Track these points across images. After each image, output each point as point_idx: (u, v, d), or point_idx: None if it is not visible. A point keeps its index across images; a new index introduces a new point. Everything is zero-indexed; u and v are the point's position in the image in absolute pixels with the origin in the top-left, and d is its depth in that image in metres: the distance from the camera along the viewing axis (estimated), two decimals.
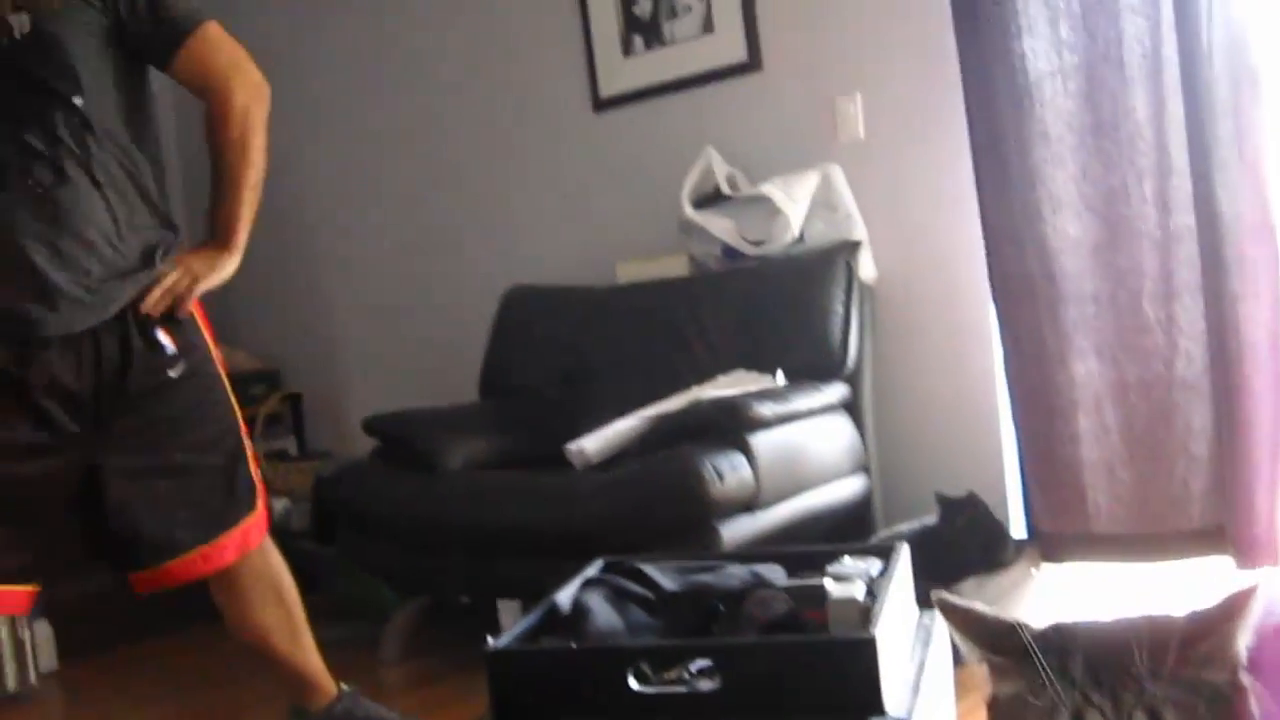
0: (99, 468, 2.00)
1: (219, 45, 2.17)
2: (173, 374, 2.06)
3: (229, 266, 2.20)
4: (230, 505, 2.13)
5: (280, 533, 4.18)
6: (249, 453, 2.20)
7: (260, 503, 2.19)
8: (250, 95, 2.19)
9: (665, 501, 2.60)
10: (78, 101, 1.98)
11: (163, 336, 2.07)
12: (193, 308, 2.16)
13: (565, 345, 3.53)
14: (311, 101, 4.58)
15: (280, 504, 4.23)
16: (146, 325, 2.06)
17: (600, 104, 3.86)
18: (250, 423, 4.44)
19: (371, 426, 3.30)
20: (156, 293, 2.05)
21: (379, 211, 4.47)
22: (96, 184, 2.00)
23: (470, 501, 2.95)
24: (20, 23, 1.94)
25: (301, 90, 4.57)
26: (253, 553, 2.17)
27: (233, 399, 2.22)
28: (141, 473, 2.03)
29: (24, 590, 2.02)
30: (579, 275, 3.77)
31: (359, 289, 4.55)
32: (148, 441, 2.04)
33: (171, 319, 2.10)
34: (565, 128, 3.95)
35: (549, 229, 4.00)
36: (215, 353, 2.22)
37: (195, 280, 2.12)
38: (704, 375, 3.11)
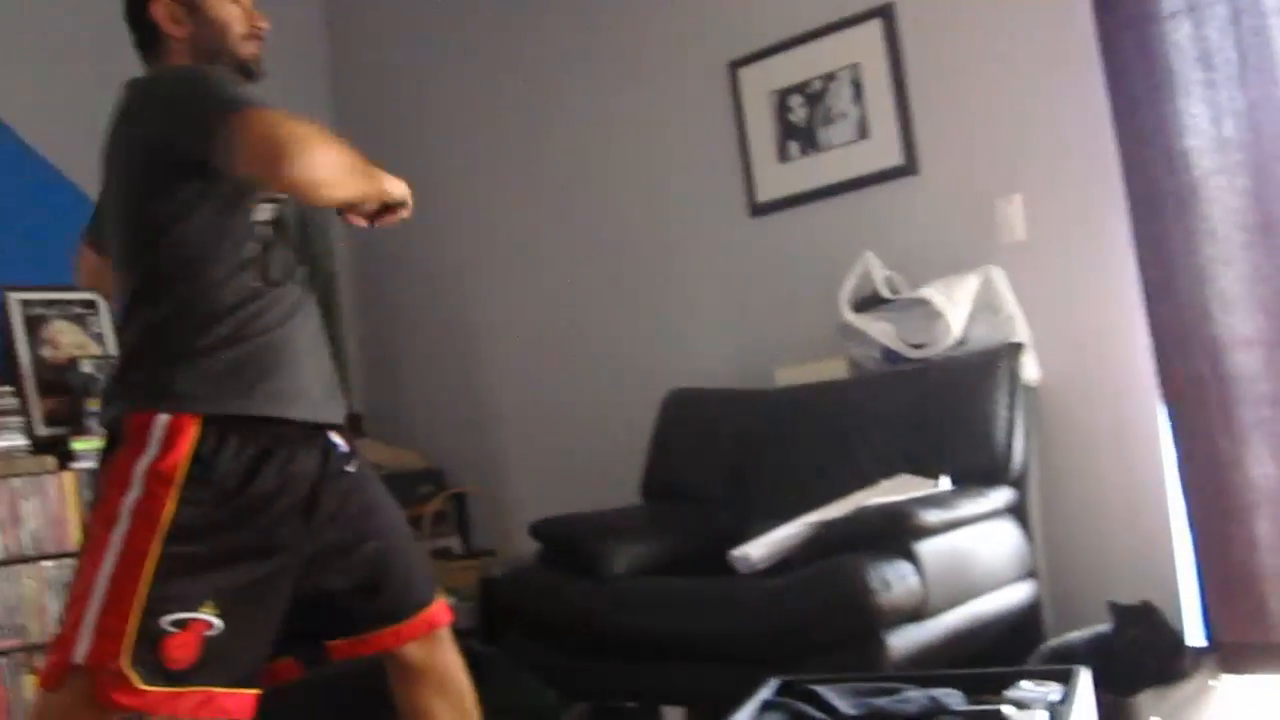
0: (317, 558, 2.07)
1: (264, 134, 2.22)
2: (350, 469, 2.15)
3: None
4: (426, 585, 2.23)
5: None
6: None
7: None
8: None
9: (832, 611, 2.60)
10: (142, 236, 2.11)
11: (336, 436, 2.15)
12: None
13: (727, 449, 3.56)
14: (475, 207, 4.75)
15: (448, 603, 4.32)
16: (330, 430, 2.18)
17: (757, 209, 3.92)
18: (417, 521, 4.58)
19: (538, 530, 3.37)
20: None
21: (540, 314, 4.58)
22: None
23: (635, 607, 2.99)
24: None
25: (465, 196, 4.75)
26: (443, 631, 2.23)
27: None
28: (344, 563, 2.11)
29: (249, 694, 2.03)
30: (738, 378, 3.82)
31: (522, 390, 4.66)
32: (346, 535, 2.11)
33: (338, 426, 2.19)
34: (722, 232, 4.03)
35: (708, 332, 4.06)
36: None
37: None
38: (867, 480, 3.11)
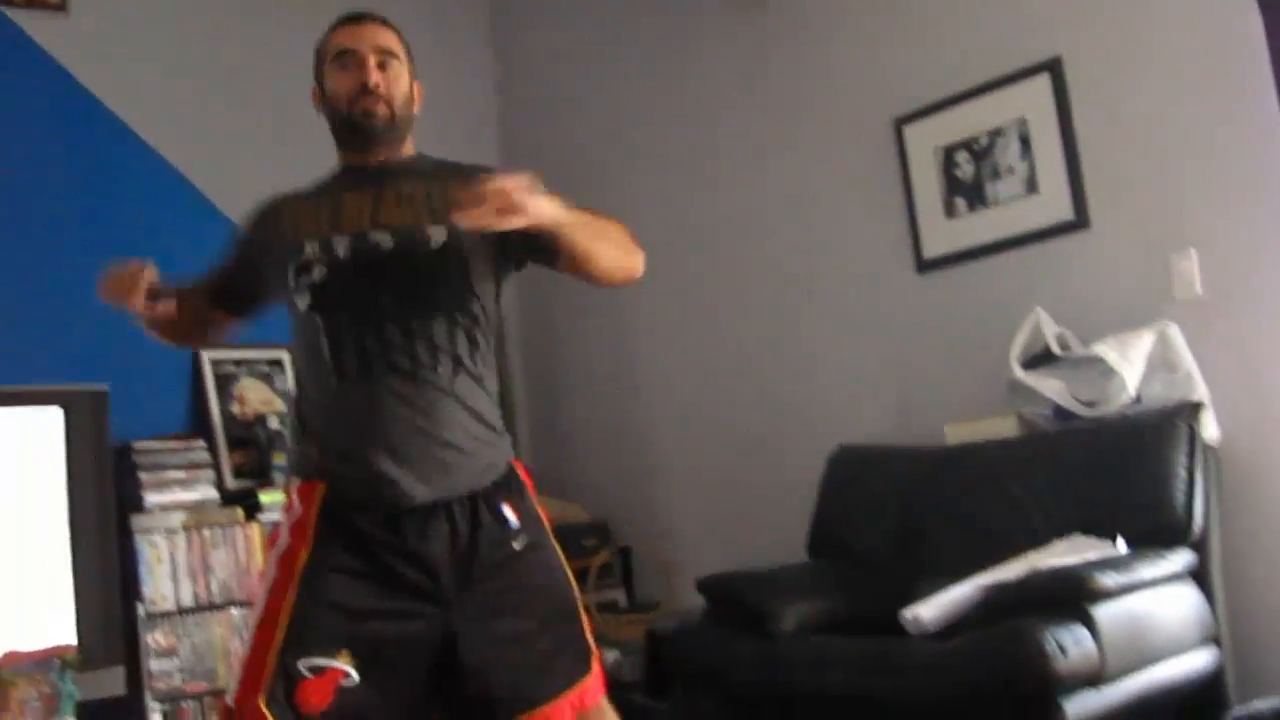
0: (455, 635, 2.10)
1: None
2: (516, 546, 2.17)
3: (547, 205, 2.04)
4: (569, 668, 2.20)
5: (611, 684, 4.33)
6: (584, 617, 2.27)
7: (595, 664, 2.25)
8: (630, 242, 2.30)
9: (1006, 675, 2.56)
10: (474, 309, 2.19)
11: (507, 511, 2.17)
12: (528, 481, 2.28)
13: (894, 506, 3.54)
14: (649, 277, 4.81)
15: (611, 655, 4.36)
16: (492, 501, 2.18)
17: (923, 265, 3.91)
18: (582, 575, 4.64)
19: (705, 586, 3.39)
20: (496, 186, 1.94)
21: (705, 369, 4.63)
22: (472, 381, 2.18)
23: (803, 666, 2.98)
24: (438, 234, 2.16)
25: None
26: (589, 712, 2.22)
27: (566, 565, 2.29)
28: (492, 639, 2.12)
29: None
30: (905, 435, 3.80)
31: (686, 444, 4.71)
32: (495, 610, 2.13)
33: (514, 491, 2.22)
34: (888, 288, 4.02)
35: (874, 388, 4.05)
36: (547, 520, 2.31)
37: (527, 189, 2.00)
38: (1039, 540, 3.07)
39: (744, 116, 4.49)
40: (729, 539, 4.39)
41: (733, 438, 4.50)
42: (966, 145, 3.81)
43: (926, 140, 3.91)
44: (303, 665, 1.97)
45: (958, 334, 3.81)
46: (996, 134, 3.74)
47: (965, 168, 3.82)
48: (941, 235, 3.87)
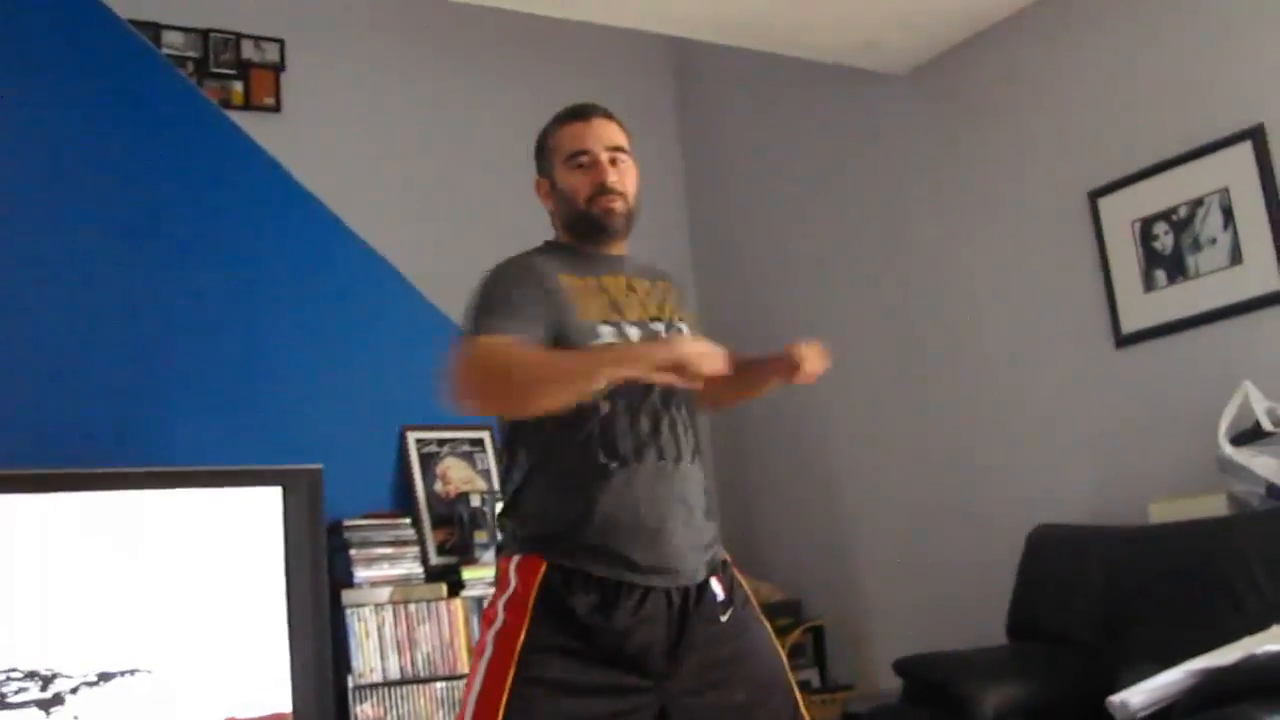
0: (669, 712, 2.11)
1: None
2: (723, 619, 2.17)
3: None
4: None
5: None
6: (796, 690, 2.26)
7: None
8: None
9: None
10: (693, 399, 2.25)
11: (716, 585, 2.19)
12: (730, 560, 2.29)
13: (1097, 588, 3.44)
14: (829, 339, 4.84)
15: None
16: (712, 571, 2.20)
17: (1122, 339, 3.83)
18: None
19: (903, 668, 3.35)
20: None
21: (900, 446, 4.60)
22: (700, 467, 2.25)
23: None
24: (684, 331, 2.27)
25: (820, 328, 4.85)
26: None
27: (775, 639, 2.29)
28: (705, 713, 2.13)
29: None
30: (1106, 514, 3.70)
31: (880, 522, 4.67)
32: (708, 684, 2.13)
33: (721, 570, 2.22)
34: (1086, 363, 3.95)
35: (1073, 466, 3.97)
36: (752, 596, 2.31)
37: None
38: (1254, 625, 2.94)
39: (934, 197, 4.50)
40: (924, 619, 4.32)
41: (928, 516, 4.45)
42: (1165, 216, 3.74)
43: (1123, 213, 3.85)
44: None
45: (1160, 410, 3.71)
46: (1196, 204, 3.65)
47: (1164, 239, 3.74)
48: (1140, 309, 3.79)
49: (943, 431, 4.43)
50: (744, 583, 2.30)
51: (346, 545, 3.95)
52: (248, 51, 4.71)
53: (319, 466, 3.86)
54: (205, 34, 4.70)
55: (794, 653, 4.64)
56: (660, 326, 2.25)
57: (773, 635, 2.29)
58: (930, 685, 3.26)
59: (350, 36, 5.02)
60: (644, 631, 2.09)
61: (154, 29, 4.58)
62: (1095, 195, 3.92)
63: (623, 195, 2.28)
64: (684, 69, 5.79)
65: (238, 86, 4.67)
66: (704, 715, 2.12)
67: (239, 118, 4.48)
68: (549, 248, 2.35)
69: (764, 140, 5.32)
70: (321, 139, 4.64)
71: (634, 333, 2.21)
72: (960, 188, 4.40)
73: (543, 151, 2.35)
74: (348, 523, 4.00)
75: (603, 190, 2.25)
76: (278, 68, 4.76)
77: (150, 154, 4.17)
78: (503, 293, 2.18)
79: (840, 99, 4.89)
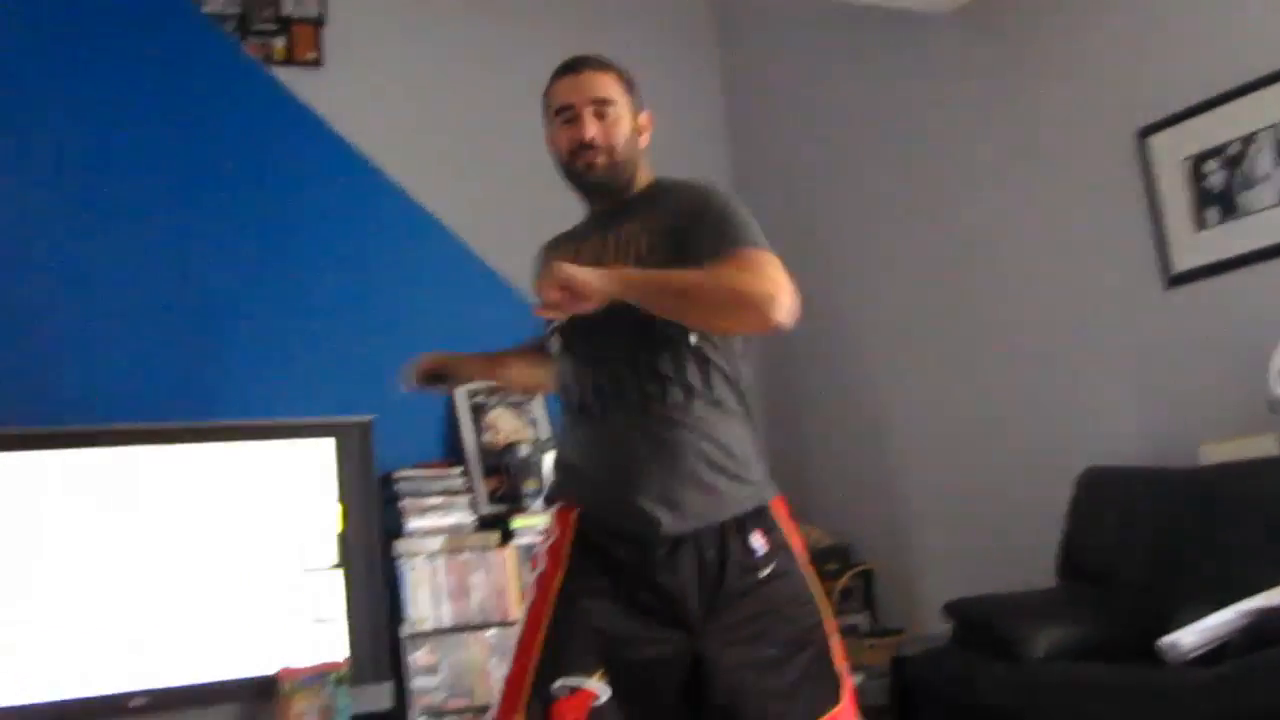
0: (703, 660, 2.11)
1: (759, 267, 2.17)
2: (763, 574, 2.15)
3: (596, 278, 2.03)
4: (817, 696, 2.15)
5: (858, 709, 4.33)
6: (835, 647, 2.22)
7: (846, 696, 2.18)
8: (775, 288, 2.13)
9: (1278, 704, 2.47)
10: (693, 340, 2.18)
11: (756, 539, 2.17)
12: (781, 512, 2.25)
13: (1148, 529, 3.43)
14: (876, 284, 4.84)
15: (856, 679, 4.36)
16: (744, 530, 2.17)
17: (1173, 279, 3.79)
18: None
19: (953, 609, 3.37)
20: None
21: (947, 389, 4.58)
22: (710, 407, 2.18)
23: (1057, 693, 2.94)
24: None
25: (867, 274, 4.85)
26: None
27: (818, 595, 2.25)
28: (738, 666, 2.11)
29: None
30: (1157, 455, 3.68)
31: (928, 466, 4.67)
32: (742, 638, 2.13)
33: (764, 521, 2.20)
34: (1135, 304, 3.91)
35: (1121, 408, 3.94)
36: (799, 549, 2.27)
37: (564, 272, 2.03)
38: None
39: (980, 136, 4.45)
40: (974, 562, 4.32)
41: (976, 459, 4.44)
42: (1216, 153, 3.68)
43: (1172, 150, 3.79)
44: (557, 686, 2.03)
45: (1211, 350, 3.67)
46: (1248, 140, 3.60)
47: (1215, 177, 3.68)
48: (1191, 248, 3.74)
49: (991, 373, 4.40)
50: (788, 530, 2.26)
51: (398, 496, 4.00)
52: (288, 7, 4.70)
53: (370, 418, 3.91)
54: None
55: (843, 597, 4.65)
56: None
57: (813, 583, 2.25)
58: (980, 627, 3.28)
59: None
60: (674, 584, 2.11)
61: None
62: (1145, 133, 3.86)
63: (604, 149, 2.25)
64: (727, 12, 5.74)
65: (279, 43, 4.67)
66: (737, 668, 2.11)
67: (281, 73, 4.50)
68: (583, 218, 2.42)
69: (807, 84, 5.27)
70: (363, 93, 4.64)
71: None
72: (1007, 127, 4.34)
73: (544, 107, 2.35)
74: (399, 474, 4.05)
75: (582, 146, 2.25)
76: (318, 22, 4.75)
77: (195, 112, 4.21)
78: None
79: (884, 40, 4.83)
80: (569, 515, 2.20)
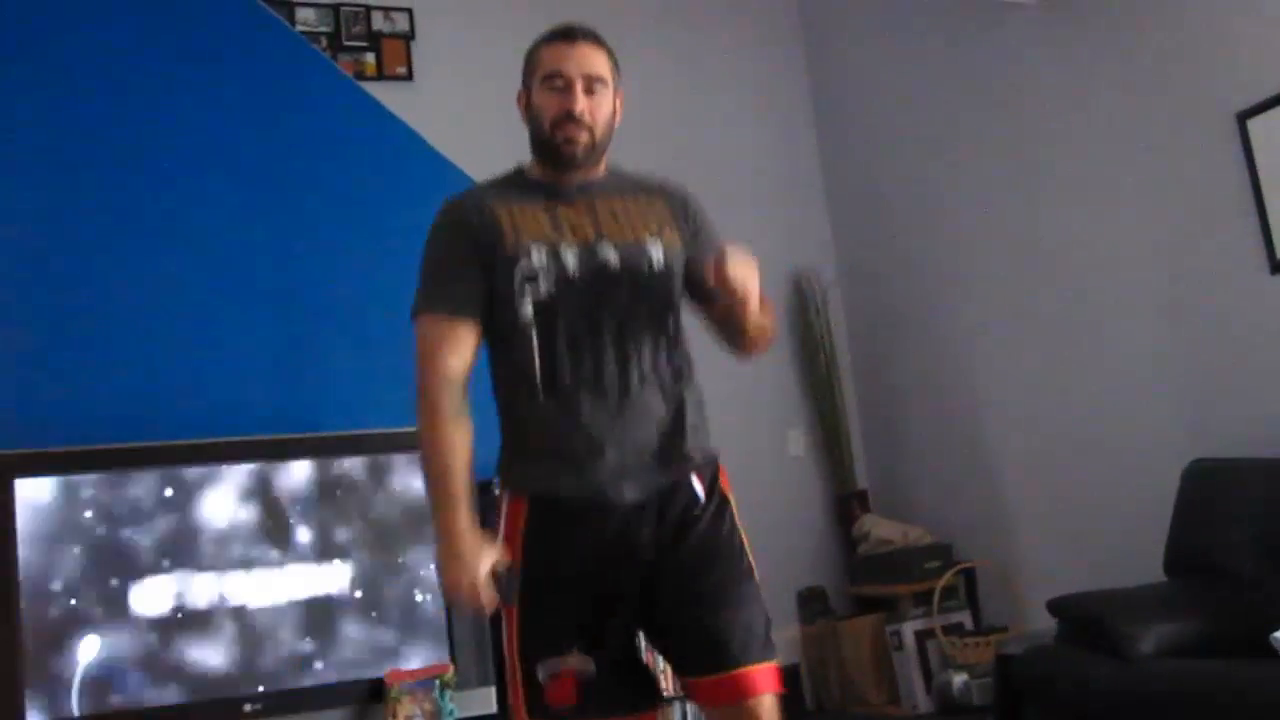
0: (653, 591, 2.16)
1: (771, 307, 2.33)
2: (696, 512, 2.18)
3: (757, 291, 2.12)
4: (764, 639, 2.17)
5: (959, 708, 4.29)
6: (760, 604, 2.21)
7: (777, 657, 2.19)
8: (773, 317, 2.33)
9: None
10: (672, 326, 2.23)
11: (696, 483, 2.20)
12: (722, 475, 2.27)
13: (1257, 522, 3.34)
14: (973, 278, 4.79)
15: (959, 678, 4.33)
16: (686, 480, 2.21)
17: (1278, 265, 3.70)
18: (925, 597, 4.61)
19: (1057, 607, 3.32)
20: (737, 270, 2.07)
21: (1048, 384, 4.52)
22: (669, 387, 2.21)
23: (1166, 691, 2.88)
24: (656, 253, 2.21)
25: (962, 268, 4.80)
26: (758, 705, 2.12)
27: (746, 547, 2.25)
28: (684, 599, 2.15)
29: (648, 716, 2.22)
30: (1265, 446, 3.59)
31: (1031, 463, 4.60)
32: (686, 571, 2.16)
33: (704, 472, 2.23)
34: (1240, 292, 3.81)
35: (1229, 398, 3.85)
36: (733, 503, 2.26)
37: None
38: None
39: (1073, 124, 4.38)
40: (1078, 558, 4.26)
41: (1079, 453, 4.37)
42: None
43: (1274, 133, 3.70)
44: (540, 673, 2.10)
45: None
46: None
47: None
48: None
49: (1091, 366, 4.33)
50: (727, 491, 2.27)
51: (496, 505, 4.04)
52: (378, 23, 4.79)
53: None
54: (336, 8, 4.79)
55: (945, 595, 4.61)
56: (608, 247, 2.19)
57: (744, 541, 2.25)
58: (1086, 624, 3.22)
59: (477, 1, 5.07)
60: (628, 538, 2.14)
61: (288, 7, 4.70)
62: (1244, 116, 3.77)
63: (589, 127, 2.22)
64: (812, 3, 5.72)
65: (370, 58, 4.76)
66: (679, 601, 2.15)
67: (373, 88, 4.58)
68: (513, 175, 2.35)
69: (894, 74, 5.24)
70: (453, 106, 4.71)
71: (570, 256, 2.17)
72: (1101, 115, 4.27)
73: (528, 65, 2.30)
74: (497, 481, 4.08)
75: (569, 117, 2.21)
76: (408, 37, 4.83)
77: (290, 129, 4.30)
78: (434, 257, 2.27)
79: (971, 30, 4.78)
80: (519, 504, 2.19)
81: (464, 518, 2.08)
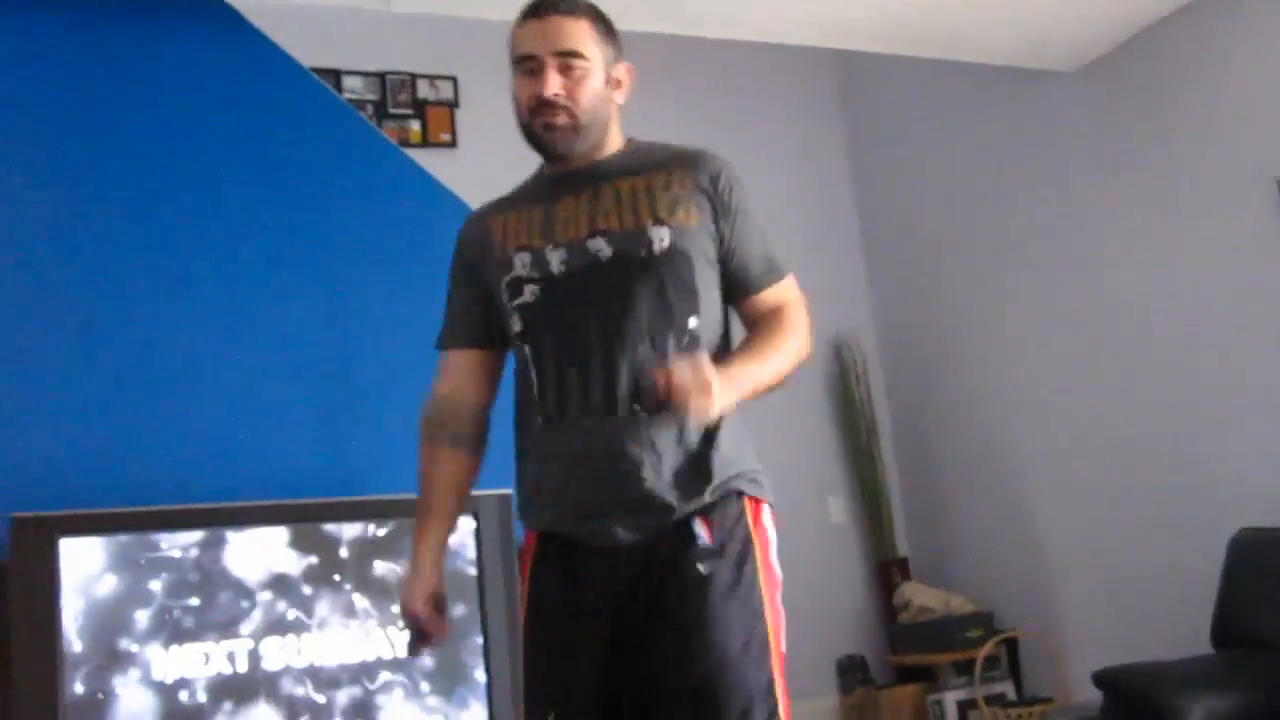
0: (623, 652, 1.94)
1: (795, 298, 2.17)
2: (703, 569, 1.92)
3: (722, 395, 1.82)
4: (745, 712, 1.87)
5: None
6: (777, 669, 1.93)
7: None
8: (802, 337, 2.11)
9: None
10: (693, 323, 2.00)
11: (699, 527, 1.95)
12: (754, 514, 2.03)
13: None
14: (1011, 343, 4.77)
15: None
16: (692, 526, 1.95)
17: None
18: (967, 666, 4.55)
19: (1103, 680, 3.27)
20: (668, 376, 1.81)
21: (1092, 452, 4.49)
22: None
23: None
24: (660, 236, 1.99)
25: (1000, 333, 4.79)
26: None
27: (769, 609, 1.96)
28: (666, 671, 1.90)
29: None
30: None
31: (1075, 530, 4.56)
32: (668, 647, 1.90)
33: (714, 510, 1.97)
34: None
35: (1276, 465, 3.81)
36: (764, 554, 2.01)
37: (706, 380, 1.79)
38: None
39: (1112, 191, 4.39)
40: (1124, 629, 4.20)
41: (1124, 522, 4.32)
42: None
43: None
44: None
45: None
46: None
47: None
48: None
49: (1136, 433, 4.30)
50: (754, 531, 2.01)
51: None
52: (423, 90, 4.87)
53: (508, 491, 3.94)
54: (382, 77, 4.88)
55: (988, 665, 4.55)
56: (600, 240, 2.00)
57: (769, 602, 1.97)
58: (1133, 697, 3.18)
59: None
60: (615, 588, 1.94)
61: (334, 75, 4.78)
62: None
63: (566, 108, 2.03)
64: (851, 71, 5.76)
65: (415, 125, 4.83)
66: (664, 675, 1.91)
67: (418, 155, 4.63)
68: (534, 174, 2.23)
69: (932, 141, 5.26)
70: (498, 171, 4.72)
71: (556, 259, 2.01)
72: (1139, 182, 4.27)
73: (510, 55, 2.11)
74: None
75: (542, 102, 2.03)
76: (452, 104, 4.91)
77: (336, 195, 4.35)
78: (448, 290, 2.26)
79: (1009, 98, 4.80)
80: (530, 542, 2.08)
81: (427, 542, 2.13)
